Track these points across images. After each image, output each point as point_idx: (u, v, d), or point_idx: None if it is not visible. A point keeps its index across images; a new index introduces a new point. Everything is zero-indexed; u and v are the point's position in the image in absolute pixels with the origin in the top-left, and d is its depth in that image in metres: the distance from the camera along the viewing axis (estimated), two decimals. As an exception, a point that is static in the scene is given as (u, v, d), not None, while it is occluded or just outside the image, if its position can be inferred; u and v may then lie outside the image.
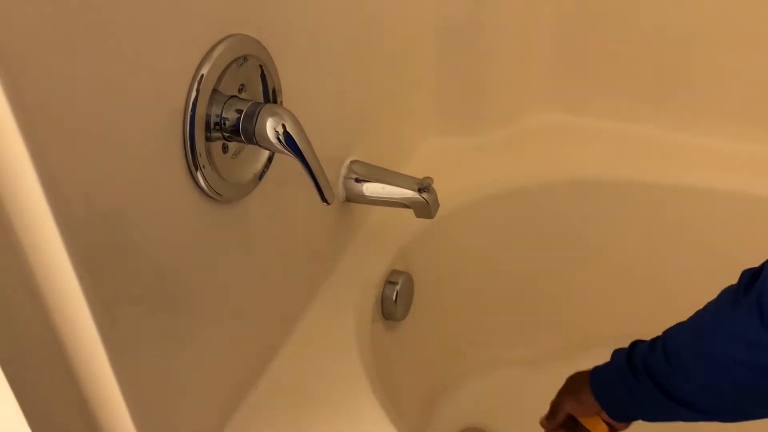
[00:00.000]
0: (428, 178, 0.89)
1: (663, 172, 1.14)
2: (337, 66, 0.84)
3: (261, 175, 0.69)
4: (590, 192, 1.15)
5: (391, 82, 1.03)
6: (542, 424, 0.90)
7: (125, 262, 0.55)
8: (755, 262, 1.14)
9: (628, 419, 0.79)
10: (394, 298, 0.95)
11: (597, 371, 0.80)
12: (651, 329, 1.23)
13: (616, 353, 0.78)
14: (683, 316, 1.20)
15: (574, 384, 0.84)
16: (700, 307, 1.19)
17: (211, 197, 0.63)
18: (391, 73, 1.02)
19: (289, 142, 0.62)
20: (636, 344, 0.77)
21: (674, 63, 1.14)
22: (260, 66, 0.65)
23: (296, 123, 0.62)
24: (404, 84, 1.07)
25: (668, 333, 0.73)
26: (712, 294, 1.17)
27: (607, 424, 0.80)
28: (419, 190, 0.88)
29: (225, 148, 0.63)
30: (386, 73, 1.00)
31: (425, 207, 0.88)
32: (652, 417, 0.74)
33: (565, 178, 1.15)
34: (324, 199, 0.68)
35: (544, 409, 1.18)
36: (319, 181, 0.66)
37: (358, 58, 0.90)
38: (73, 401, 0.59)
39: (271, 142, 0.62)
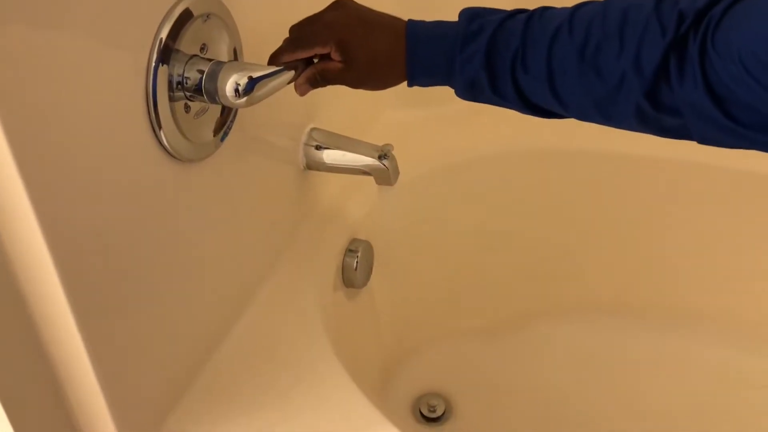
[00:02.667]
0: (388, 145, 0.90)
1: (618, 143, 1.16)
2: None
3: (223, 136, 0.69)
4: (547, 160, 1.17)
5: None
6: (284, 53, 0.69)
7: (89, 220, 0.55)
8: (711, 233, 1.19)
9: (424, 86, 0.70)
10: (354, 266, 0.96)
11: (421, 56, 0.67)
12: (607, 296, 1.28)
13: (469, 51, 0.64)
14: (641, 282, 1.25)
15: (362, 52, 0.67)
16: (654, 278, 1.24)
17: (174, 157, 0.63)
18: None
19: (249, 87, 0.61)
20: (496, 37, 0.63)
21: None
22: (223, 25, 0.65)
23: (260, 74, 0.62)
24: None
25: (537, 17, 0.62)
26: (671, 260, 1.21)
27: None
28: (379, 157, 0.89)
29: (187, 108, 0.63)
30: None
31: (385, 174, 0.89)
32: (453, 86, 0.67)
33: (522, 147, 1.17)
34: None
35: (501, 375, 1.21)
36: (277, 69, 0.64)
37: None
38: (39, 363, 0.59)
39: (232, 99, 0.62)
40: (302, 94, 0.72)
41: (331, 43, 0.67)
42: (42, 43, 0.48)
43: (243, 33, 0.69)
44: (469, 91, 0.67)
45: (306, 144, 0.90)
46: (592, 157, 1.17)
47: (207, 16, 0.62)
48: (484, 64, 0.63)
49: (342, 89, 1.02)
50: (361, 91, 1.09)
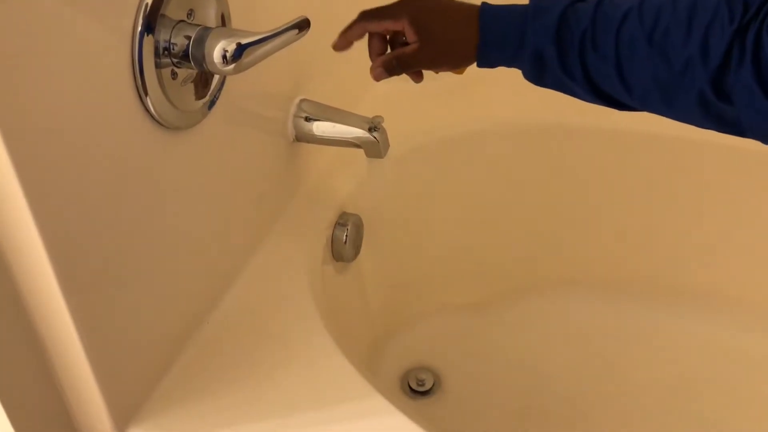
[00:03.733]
0: (378, 117, 0.89)
1: (610, 119, 1.16)
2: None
3: (211, 105, 0.68)
4: (537, 136, 1.17)
5: (342, 22, 1.01)
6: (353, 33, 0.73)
7: (74, 188, 0.54)
8: (699, 208, 1.19)
9: (493, 65, 0.70)
10: (344, 239, 0.96)
11: (494, 29, 0.67)
12: (595, 272, 1.28)
13: (539, 22, 0.65)
14: (629, 258, 1.25)
15: (436, 27, 0.68)
16: (645, 253, 1.24)
17: (161, 124, 0.62)
18: (341, 13, 1.01)
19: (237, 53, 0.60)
20: (566, 13, 0.64)
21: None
22: (209, -10, 0.64)
23: (249, 40, 0.61)
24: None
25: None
26: (660, 240, 1.21)
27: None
28: (370, 129, 0.88)
29: (174, 75, 0.62)
30: (336, 12, 0.99)
31: (375, 146, 0.89)
32: (545, 86, 0.68)
33: (512, 122, 1.17)
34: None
35: (489, 349, 1.22)
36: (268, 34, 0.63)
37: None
38: (26, 338, 0.58)
39: (220, 66, 0.60)
40: (377, 79, 0.73)
41: (404, 19, 0.67)
42: (22, 6, 0.47)
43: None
44: (537, 67, 0.66)
45: (295, 115, 0.89)
46: (582, 133, 1.17)
47: (193, -20, 0.61)
48: (554, 38, 0.64)
49: (330, 60, 1.01)
50: (350, 63, 1.08)
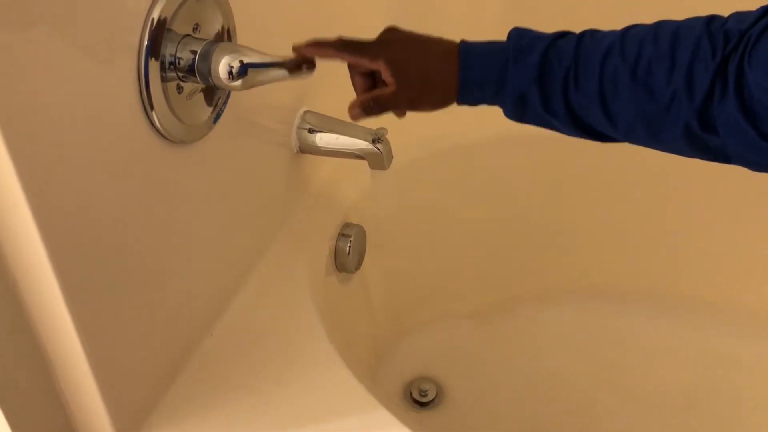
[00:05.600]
0: (382, 128, 0.89)
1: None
2: (290, 13, 0.83)
3: (216, 118, 0.68)
4: (538, 146, 1.17)
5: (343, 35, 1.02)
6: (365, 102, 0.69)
7: (80, 201, 0.54)
8: (694, 218, 1.20)
9: (474, 103, 0.68)
10: (347, 250, 0.96)
11: (478, 49, 0.66)
12: (596, 281, 1.28)
13: (520, 63, 0.64)
14: (633, 268, 1.26)
15: (413, 70, 0.66)
16: (642, 259, 1.24)
17: (166, 138, 0.62)
18: (342, 26, 1.01)
19: (242, 70, 0.61)
20: (547, 55, 0.63)
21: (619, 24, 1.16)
22: (216, 4, 0.64)
23: (254, 58, 0.61)
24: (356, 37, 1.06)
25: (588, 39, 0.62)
26: (661, 248, 1.22)
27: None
28: (373, 141, 0.88)
29: (179, 89, 0.62)
30: (338, 25, 0.99)
31: (379, 158, 0.89)
32: (499, 105, 0.66)
33: (513, 133, 1.16)
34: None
35: (492, 359, 1.22)
36: (274, 61, 0.64)
37: (312, 6, 0.89)
38: (31, 352, 0.59)
39: (226, 81, 0.61)
40: (354, 119, 0.70)
41: (381, 60, 0.65)
42: (32, 20, 0.47)
43: (236, 12, 0.68)
44: (519, 107, 0.66)
45: (299, 127, 0.89)
46: (584, 143, 1.17)
47: (200, -4, 0.62)
48: (536, 77, 0.63)
49: (334, 71, 1.02)
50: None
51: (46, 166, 0.51)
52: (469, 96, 0.67)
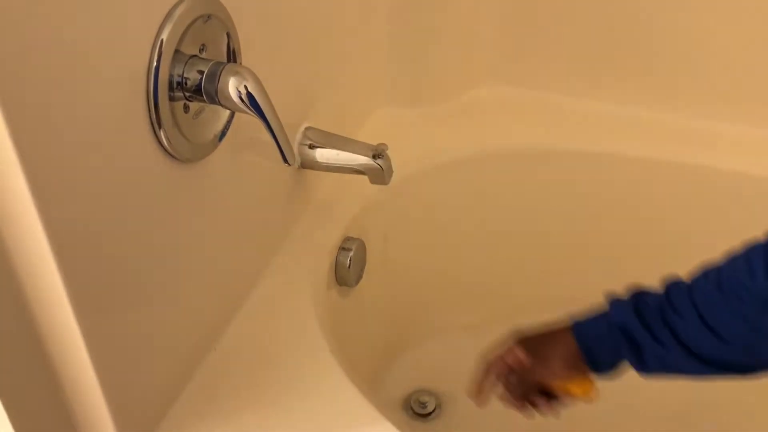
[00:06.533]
0: (382, 144, 0.90)
1: (603, 144, 1.18)
2: (292, 32, 0.85)
3: (221, 136, 0.69)
4: (537, 160, 1.19)
5: (343, 52, 1.04)
6: (484, 385, 0.80)
7: (89, 218, 0.56)
8: (689, 230, 1.21)
9: (614, 373, 0.73)
10: (347, 264, 0.97)
11: (585, 327, 0.73)
12: (591, 293, 1.29)
13: (616, 305, 0.72)
14: (629, 279, 1.26)
15: (543, 347, 0.75)
16: (640, 273, 1.26)
17: (174, 157, 0.63)
18: (343, 44, 1.03)
19: (251, 101, 0.62)
20: (641, 295, 0.71)
21: (617, 38, 1.18)
22: (222, 26, 0.65)
23: (258, 82, 0.63)
24: (355, 54, 1.08)
25: (698, 284, 0.68)
26: (652, 258, 1.23)
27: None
28: (374, 157, 0.89)
29: (186, 108, 0.64)
30: (339, 43, 1.01)
31: (380, 173, 0.90)
32: (655, 373, 0.70)
33: (512, 147, 1.18)
34: (285, 160, 0.69)
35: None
36: (280, 141, 0.67)
37: (313, 26, 0.91)
38: (39, 364, 0.59)
39: (233, 101, 0.62)
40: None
41: (512, 343, 0.77)
42: (44, 43, 0.48)
43: (240, 33, 0.69)
44: (634, 351, 0.70)
45: (300, 143, 0.90)
46: (581, 157, 1.19)
47: (207, 17, 0.63)
48: (634, 316, 0.69)
49: (332, 87, 1.03)
50: (351, 90, 1.10)
51: (58, 183, 0.52)
52: (599, 367, 0.73)
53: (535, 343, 0.75)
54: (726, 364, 0.66)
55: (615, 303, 0.72)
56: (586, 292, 1.29)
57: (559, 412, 0.77)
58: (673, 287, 0.69)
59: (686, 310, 0.66)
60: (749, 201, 1.15)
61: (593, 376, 0.74)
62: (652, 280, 1.25)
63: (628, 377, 1.21)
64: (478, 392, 0.80)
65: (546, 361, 0.74)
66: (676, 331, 0.66)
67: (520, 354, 0.75)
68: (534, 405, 0.78)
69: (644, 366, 0.70)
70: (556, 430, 1.15)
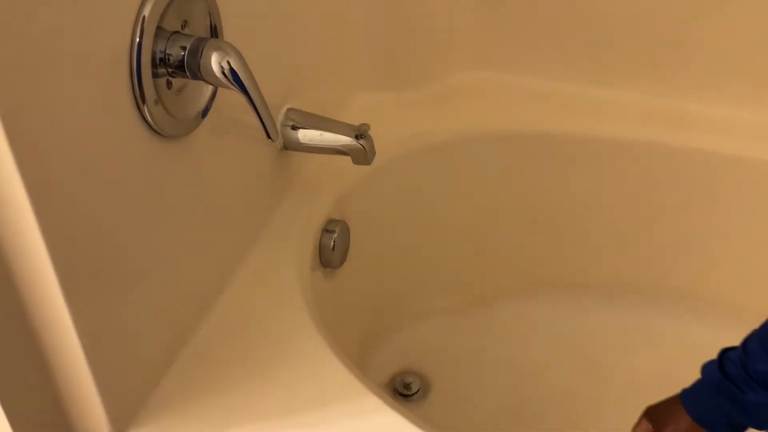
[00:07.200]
0: (365, 124, 0.91)
1: (582, 126, 1.20)
2: (273, 12, 0.85)
3: (204, 113, 0.70)
4: (517, 143, 1.20)
5: (325, 35, 1.04)
6: None
7: (75, 195, 0.56)
8: (675, 213, 1.23)
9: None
10: (331, 246, 0.97)
11: (689, 393, 0.76)
12: (572, 276, 1.31)
13: (706, 368, 0.75)
14: (603, 264, 1.29)
15: (662, 415, 0.79)
16: (624, 257, 1.28)
17: (158, 132, 0.63)
18: (324, 26, 1.03)
19: (234, 76, 0.63)
20: (724, 353, 0.74)
21: (596, 22, 1.19)
22: (203, 2, 0.66)
23: (240, 57, 0.63)
24: (337, 38, 1.09)
25: (763, 332, 0.70)
26: (638, 242, 1.25)
27: None
28: (356, 137, 0.90)
29: (169, 84, 0.64)
30: (319, 25, 1.02)
31: (363, 153, 0.91)
32: (765, 424, 0.71)
33: (493, 130, 1.20)
34: (268, 136, 0.69)
35: (475, 352, 1.24)
36: (263, 116, 0.67)
37: (294, 8, 0.91)
38: (28, 345, 0.59)
39: (216, 77, 0.63)
40: None
41: (644, 418, 0.81)
42: (23, 23, 0.48)
43: (222, 9, 0.70)
44: (738, 408, 0.71)
45: (283, 124, 0.91)
46: (562, 140, 1.20)
47: (188, -7, 0.63)
48: (719, 373, 0.72)
49: (316, 70, 1.04)
50: (332, 73, 1.10)
51: (43, 161, 0.52)
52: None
53: (659, 414, 0.79)
54: None
55: (706, 368, 0.75)
56: (569, 276, 1.32)
57: None
58: (748, 339, 0.71)
59: (757, 351, 0.68)
60: (733, 183, 1.17)
61: None
62: (636, 265, 1.28)
63: (610, 355, 1.21)
64: None
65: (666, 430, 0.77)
66: (755, 375, 0.68)
67: (646, 426, 0.79)
68: None
69: (757, 422, 0.71)
70: (541, 406, 1.17)
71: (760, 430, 0.72)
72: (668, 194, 1.21)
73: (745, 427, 0.73)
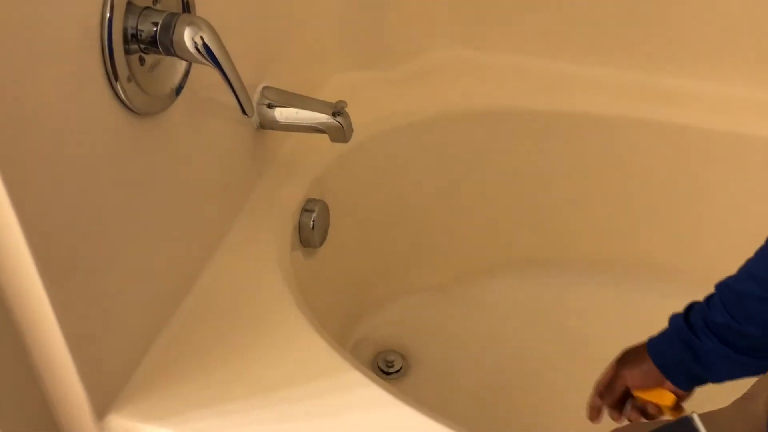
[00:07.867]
0: (342, 102, 0.90)
1: (561, 102, 1.20)
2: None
3: (178, 90, 0.69)
4: (495, 120, 1.20)
5: (300, 13, 1.03)
6: (594, 402, 0.86)
7: (48, 174, 0.55)
8: (661, 188, 1.24)
9: (693, 384, 0.76)
10: (311, 225, 0.97)
11: (654, 339, 0.78)
12: (553, 252, 1.32)
13: (673, 318, 0.76)
14: (584, 240, 1.30)
15: (629, 357, 0.81)
16: (612, 233, 1.29)
17: (131, 110, 0.63)
18: (299, 4, 1.02)
19: (207, 51, 0.62)
20: (691, 306, 0.75)
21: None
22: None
23: (214, 32, 0.62)
24: (312, 16, 1.08)
25: (721, 286, 0.71)
26: (626, 219, 1.26)
27: (673, 392, 0.77)
28: (333, 114, 0.89)
29: (142, 61, 0.63)
30: (294, 3, 1.01)
31: (340, 131, 0.90)
32: (718, 376, 0.72)
33: (470, 109, 1.19)
34: (244, 112, 0.69)
35: (457, 330, 1.25)
36: (237, 91, 0.66)
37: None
38: (5, 327, 0.59)
39: (189, 52, 0.62)
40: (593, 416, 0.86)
41: (613, 364, 0.83)
42: None
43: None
44: (695, 359, 0.72)
45: (259, 103, 0.90)
46: (541, 117, 1.20)
47: (159, -33, 0.62)
48: (684, 324, 0.73)
49: (290, 47, 1.03)
50: (308, 52, 1.09)
51: (15, 141, 0.51)
52: (678, 379, 0.76)
53: (627, 356, 0.81)
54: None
55: (672, 317, 0.76)
56: (550, 252, 1.33)
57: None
58: (711, 295, 0.72)
59: (716, 303, 0.70)
60: (711, 157, 1.18)
61: (679, 391, 0.77)
62: (617, 240, 1.29)
63: (589, 330, 1.22)
64: (589, 409, 0.86)
65: (628, 372, 0.80)
66: (713, 325, 0.70)
67: (611, 365, 0.83)
68: (621, 412, 0.84)
69: (711, 372, 0.72)
70: (521, 381, 1.18)
71: (714, 382, 0.73)
72: (648, 170, 1.22)
73: (702, 380, 0.74)
